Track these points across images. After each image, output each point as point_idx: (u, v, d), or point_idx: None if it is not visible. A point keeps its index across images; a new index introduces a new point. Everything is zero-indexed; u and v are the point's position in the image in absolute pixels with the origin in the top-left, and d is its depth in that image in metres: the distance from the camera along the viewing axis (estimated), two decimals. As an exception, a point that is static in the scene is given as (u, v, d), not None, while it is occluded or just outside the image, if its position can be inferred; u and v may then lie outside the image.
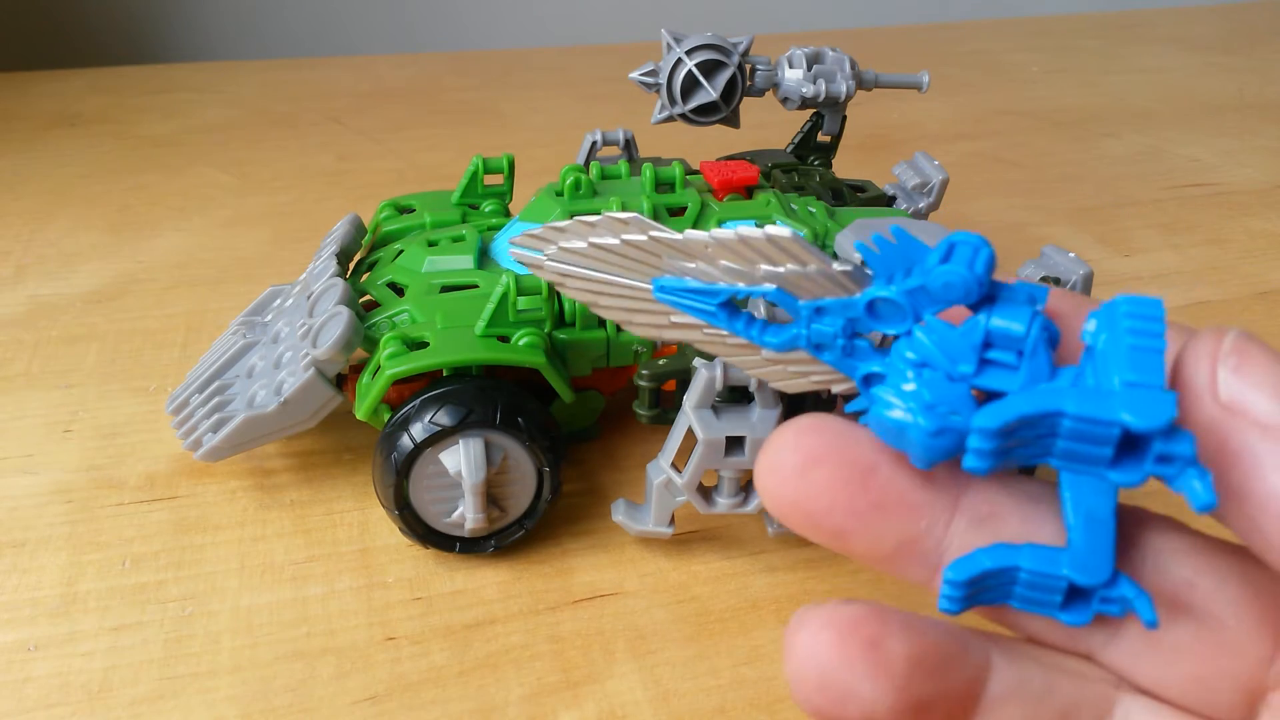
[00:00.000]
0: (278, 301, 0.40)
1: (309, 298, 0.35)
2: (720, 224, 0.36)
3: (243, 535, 0.34)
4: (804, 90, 0.44)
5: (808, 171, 0.44)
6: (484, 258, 0.37)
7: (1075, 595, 0.17)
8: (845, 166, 0.53)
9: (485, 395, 0.31)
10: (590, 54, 1.05)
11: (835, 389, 0.20)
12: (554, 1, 1.31)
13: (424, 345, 0.32)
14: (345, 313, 0.32)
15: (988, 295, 0.17)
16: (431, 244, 0.37)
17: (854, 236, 0.29)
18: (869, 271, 0.18)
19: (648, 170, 0.36)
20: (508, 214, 0.42)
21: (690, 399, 0.29)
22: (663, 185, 0.37)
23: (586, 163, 0.43)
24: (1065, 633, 0.18)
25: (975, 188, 0.67)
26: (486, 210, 0.42)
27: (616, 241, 0.20)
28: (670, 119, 0.43)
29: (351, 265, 0.40)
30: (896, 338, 0.18)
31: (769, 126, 0.59)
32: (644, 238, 0.19)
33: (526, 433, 0.31)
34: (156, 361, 0.45)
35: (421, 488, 0.31)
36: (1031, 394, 0.15)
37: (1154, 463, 0.15)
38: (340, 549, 0.33)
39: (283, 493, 0.36)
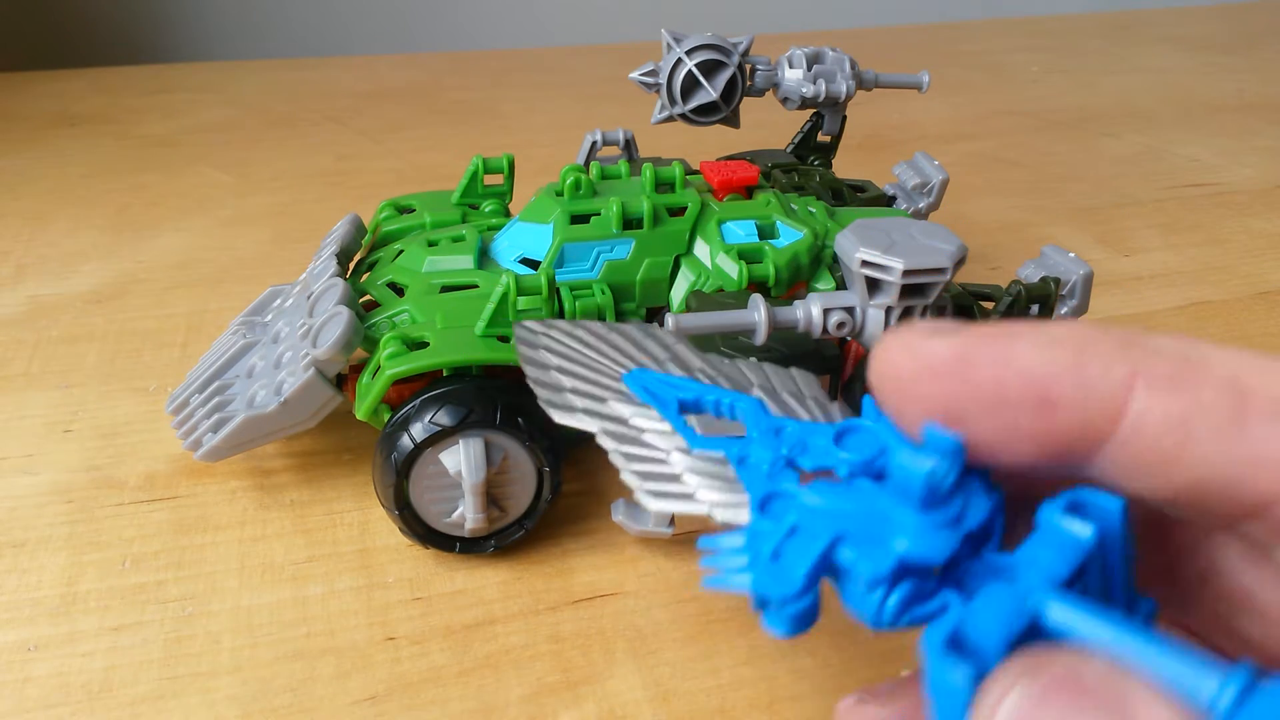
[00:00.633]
0: (278, 301, 0.40)
1: (309, 298, 0.35)
2: (720, 224, 0.36)
3: (243, 535, 0.34)
4: (804, 90, 0.44)
5: (808, 171, 0.44)
6: (484, 258, 0.37)
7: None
8: (845, 166, 0.53)
9: (485, 395, 0.31)
10: (590, 54, 1.06)
11: (688, 511, 0.19)
12: (554, 1, 1.31)
13: (424, 345, 0.32)
14: (345, 313, 0.32)
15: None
16: (431, 244, 0.37)
17: (854, 236, 0.29)
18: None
19: (648, 170, 0.36)
20: (508, 214, 0.42)
21: None
22: (663, 185, 0.37)
23: (586, 163, 0.43)
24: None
25: (975, 188, 0.67)
26: (486, 210, 0.42)
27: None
28: (670, 119, 0.43)
29: (351, 265, 0.40)
30: (821, 476, 0.18)
31: (769, 126, 0.59)
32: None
33: (526, 433, 0.31)
34: (156, 361, 0.45)
35: (421, 488, 0.31)
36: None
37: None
38: (340, 549, 0.33)
39: (283, 493, 0.36)
